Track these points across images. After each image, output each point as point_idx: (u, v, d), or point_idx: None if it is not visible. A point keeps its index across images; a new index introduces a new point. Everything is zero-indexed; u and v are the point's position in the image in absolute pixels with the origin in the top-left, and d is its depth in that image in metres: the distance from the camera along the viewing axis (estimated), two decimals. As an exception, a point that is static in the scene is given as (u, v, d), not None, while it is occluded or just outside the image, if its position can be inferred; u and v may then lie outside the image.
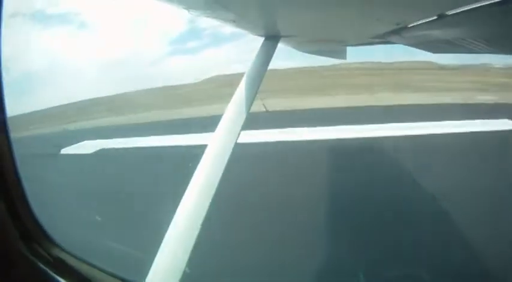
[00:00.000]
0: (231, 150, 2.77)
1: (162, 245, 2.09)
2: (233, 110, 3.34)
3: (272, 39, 4.05)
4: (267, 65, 3.99)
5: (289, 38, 4.48)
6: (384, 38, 4.03)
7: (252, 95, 3.57)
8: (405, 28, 2.76)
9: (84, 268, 0.94)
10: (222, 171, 2.59)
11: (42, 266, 1.04)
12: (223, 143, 2.88)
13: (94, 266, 0.92)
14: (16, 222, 1.07)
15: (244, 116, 3.25)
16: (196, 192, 2.45)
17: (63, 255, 1.07)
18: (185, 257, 2.12)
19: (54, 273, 1.02)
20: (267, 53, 4.02)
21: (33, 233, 1.09)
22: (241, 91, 3.56)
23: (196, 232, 2.18)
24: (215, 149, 2.82)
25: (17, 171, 1.10)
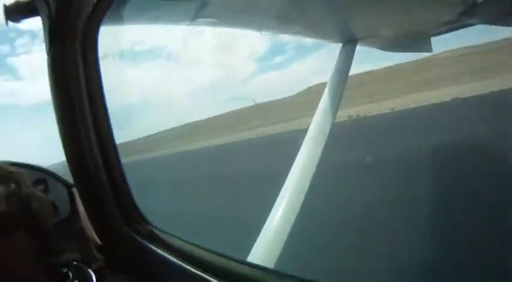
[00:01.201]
0: (319, 157, 2.87)
1: (265, 226, 2.32)
2: (320, 118, 3.39)
3: (350, 44, 4.05)
4: (348, 69, 3.99)
5: (367, 39, 4.44)
6: (461, 21, 3.81)
7: (337, 101, 3.59)
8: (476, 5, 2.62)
9: (174, 241, 1.19)
10: (311, 174, 2.76)
11: (140, 239, 1.35)
12: (312, 151, 2.96)
13: (181, 239, 1.13)
14: (121, 211, 1.42)
15: (330, 123, 3.28)
16: (293, 187, 2.66)
17: (156, 232, 1.36)
18: (284, 237, 2.34)
19: (150, 244, 1.31)
20: (346, 58, 4.03)
21: (134, 218, 1.42)
22: (325, 99, 3.59)
23: (294, 217, 2.39)
24: (304, 156, 2.92)
25: (124, 176, 1.44)
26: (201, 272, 0.89)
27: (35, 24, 1.51)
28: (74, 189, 1.72)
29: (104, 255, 1.52)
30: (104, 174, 1.40)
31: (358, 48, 4.26)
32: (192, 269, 0.92)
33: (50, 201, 1.40)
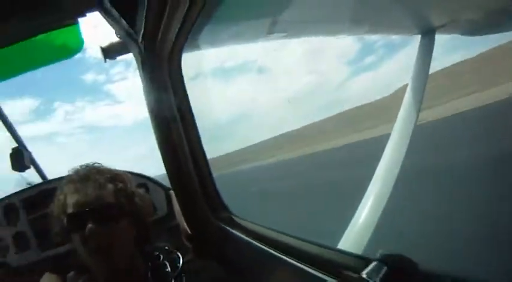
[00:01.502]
0: (405, 151, 2.81)
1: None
2: (404, 113, 3.29)
3: (429, 34, 3.87)
4: (429, 61, 3.82)
5: (447, 26, 4.20)
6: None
7: (420, 95, 3.46)
8: None
9: (254, 227, 1.29)
10: (399, 167, 2.71)
11: (223, 226, 1.51)
12: (397, 146, 2.90)
13: (261, 225, 1.21)
14: (209, 202, 1.63)
15: (415, 117, 3.18)
16: (380, 180, 2.65)
17: (238, 220, 1.51)
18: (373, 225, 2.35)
19: (231, 229, 1.45)
20: (426, 50, 3.86)
21: (219, 209, 1.62)
22: (408, 94, 3.48)
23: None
24: (390, 150, 2.88)
25: (211, 176, 1.66)
26: (279, 253, 0.95)
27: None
28: (171, 192, 1.97)
29: (192, 244, 1.80)
30: (195, 176, 1.62)
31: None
32: (270, 250, 0.98)
33: (150, 199, 1.67)
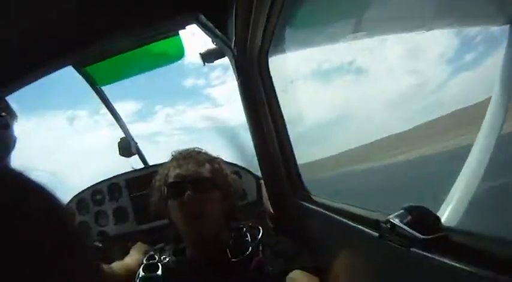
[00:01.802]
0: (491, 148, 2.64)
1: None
2: (493, 111, 3.08)
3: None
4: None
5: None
6: None
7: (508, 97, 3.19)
8: None
9: (334, 203, 1.33)
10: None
11: (302, 203, 1.61)
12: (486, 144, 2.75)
13: (342, 202, 1.28)
14: (293, 187, 1.76)
15: (503, 115, 2.96)
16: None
17: (315, 197, 1.60)
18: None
19: (309, 205, 1.54)
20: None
21: (300, 190, 1.73)
22: (497, 90, 3.24)
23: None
24: (479, 146, 2.74)
25: (297, 166, 1.78)
26: (358, 225, 1.03)
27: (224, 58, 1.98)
28: (261, 182, 2.17)
29: (273, 223, 1.98)
30: (282, 166, 1.79)
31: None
32: (350, 223, 1.07)
33: (241, 183, 1.91)
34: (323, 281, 1.33)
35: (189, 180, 1.48)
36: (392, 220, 0.78)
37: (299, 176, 1.74)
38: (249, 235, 1.55)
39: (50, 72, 1.84)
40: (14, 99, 1.69)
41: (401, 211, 0.78)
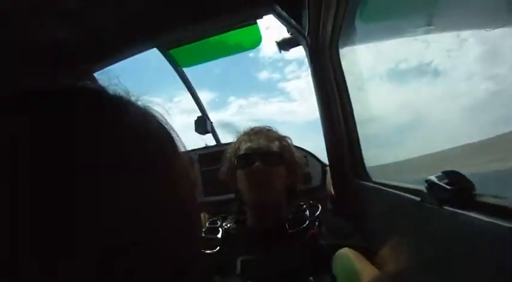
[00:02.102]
0: None
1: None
2: None
3: None
4: None
5: None
6: None
7: None
8: None
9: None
10: None
11: (364, 187, 1.64)
12: None
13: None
14: (356, 169, 1.79)
15: None
16: None
17: (376, 181, 1.60)
18: None
19: (370, 188, 1.57)
20: None
21: (361, 174, 1.75)
22: None
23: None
24: None
25: (362, 156, 1.79)
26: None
27: (300, 53, 2.04)
28: (327, 168, 2.24)
29: (334, 206, 2.04)
30: (348, 151, 1.84)
31: None
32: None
33: (306, 164, 2.01)
34: (371, 261, 1.34)
35: (259, 153, 1.59)
36: (432, 179, 0.83)
37: (362, 162, 1.77)
38: (308, 211, 1.64)
39: (136, 53, 2.02)
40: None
41: (440, 174, 0.82)
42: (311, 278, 1.33)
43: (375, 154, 1.75)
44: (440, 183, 0.79)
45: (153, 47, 2.15)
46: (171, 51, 2.34)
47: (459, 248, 0.76)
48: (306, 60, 1.98)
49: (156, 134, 0.50)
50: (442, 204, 0.78)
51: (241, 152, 1.64)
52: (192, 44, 2.24)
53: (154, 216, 0.45)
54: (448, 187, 0.77)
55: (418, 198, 0.94)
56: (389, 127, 1.65)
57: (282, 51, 2.12)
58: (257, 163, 1.56)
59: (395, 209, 1.21)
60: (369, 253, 1.37)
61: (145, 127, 0.49)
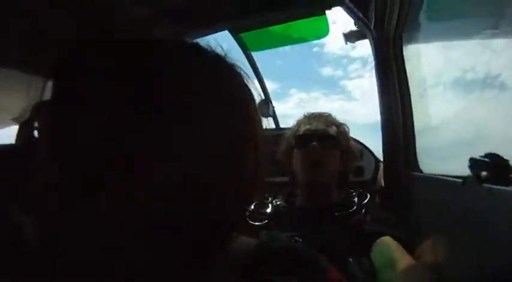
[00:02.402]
0: None
1: None
2: None
3: None
4: None
5: None
6: None
7: None
8: None
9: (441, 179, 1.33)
10: None
11: (413, 172, 1.68)
12: None
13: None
14: (406, 159, 1.80)
15: None
16: None
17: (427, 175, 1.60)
18: None
19: (421, 182, 1.58)
20: None
21: (411, 162, 1.77)
22: None
23: None
24: None
25: (415, 151, 1.79)
26: None
27: (364, 51, 2.05)
28: (380, 164, 2.26)
29: (382, 199, 2.02)
30: (402, 145, 1.84)
31: None
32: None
33: (360, 153, 2.06)
34: (410, 253, 1.37)
35: (316, 135, 1.67)
36: (474, 158, 0.90)
37: (415, 155, 1.78)
38: (356, 199, 1.69)
39: (209, 34, 2.14)
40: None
41: (481, 157, 0.88)
42: (350, 259, 1.37)
43: (426, 163, 1.73)
44: (482, 160, 0.86)
45: (225, 30, 2.28)
46: (241, 34, 2.46)
47: (497, 223, 0.81)
48: (370, 60, 2.01)
49: (242, 89, 0.56)
50: (482, 182, 0.85)
51: (300, 133, 1.74)
52: (262, 29, 2.35)
53: (234, 162, 0.50)
54: (488, 166, 0.83)
55: (460, 180, 1.01)
56: (446, 138, 1.60)
57: (348, 43, 2.17)
58: (314, 143, 1.65)
59: (439, 193, 1.26)
60: (409, 246, 1.40)
61: (235, 80, 0.55)
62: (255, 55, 2.77)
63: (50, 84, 0.48)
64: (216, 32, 2.18)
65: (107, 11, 1.66)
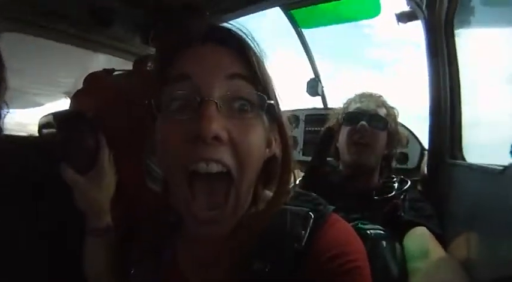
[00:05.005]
0: None
1: None
2: None
3: None
4: None
5: None
6: None
7: None
8: None
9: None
10: None
11: (456, 161, 1.65)
12: None
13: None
14: (451, 148, 1.74)
15: None
16: None
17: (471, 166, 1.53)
18: None
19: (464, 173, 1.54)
20: None
21: (456, 151, 1.73)
22: None
23: None
24: None
25: (461, 142, 1.74)
26: None
27: (416, 38, 2.02)
28: (425, 152, 2.22)
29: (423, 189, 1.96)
30: (449, 139, 1.77)
31: None
32: None
33: (405, 139, 1.96)
34: (445, 249, 1.37)
35: (366, 114, 1.69)
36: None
37: (461, 144, 1.74)
38: (396, 185, 1.69)
39: (261, 9, 2.16)
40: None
41: None
42: (384, 242, 1.38)
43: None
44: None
45: (276, 6, 2.31)
46: (292, 11, 2.48)
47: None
48: (421, 45, 1.98)
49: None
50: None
51: (350, 110, 1.76)
52: (313, 6, 2.36)
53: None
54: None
55: (501, 167, 1.02)
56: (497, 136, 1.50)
57: (400, 23, 2.14)
58: (362, 122, 1.66)
59: (480, 182, 1.26)
60: (442, 239, 1.41)
61: None
62: (307, 34, 2.79)
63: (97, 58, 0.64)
64: (268, 8, 2.20)
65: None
